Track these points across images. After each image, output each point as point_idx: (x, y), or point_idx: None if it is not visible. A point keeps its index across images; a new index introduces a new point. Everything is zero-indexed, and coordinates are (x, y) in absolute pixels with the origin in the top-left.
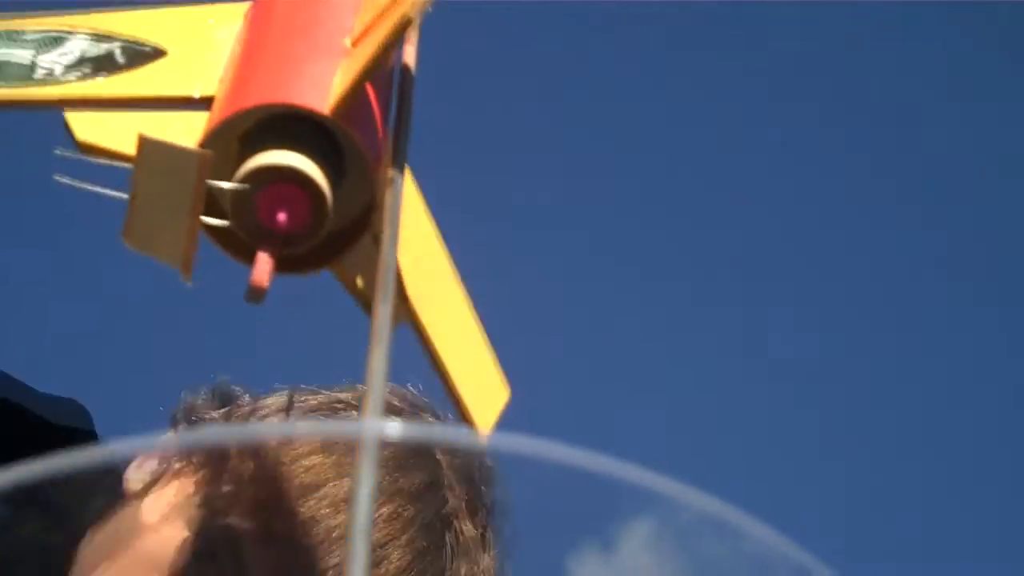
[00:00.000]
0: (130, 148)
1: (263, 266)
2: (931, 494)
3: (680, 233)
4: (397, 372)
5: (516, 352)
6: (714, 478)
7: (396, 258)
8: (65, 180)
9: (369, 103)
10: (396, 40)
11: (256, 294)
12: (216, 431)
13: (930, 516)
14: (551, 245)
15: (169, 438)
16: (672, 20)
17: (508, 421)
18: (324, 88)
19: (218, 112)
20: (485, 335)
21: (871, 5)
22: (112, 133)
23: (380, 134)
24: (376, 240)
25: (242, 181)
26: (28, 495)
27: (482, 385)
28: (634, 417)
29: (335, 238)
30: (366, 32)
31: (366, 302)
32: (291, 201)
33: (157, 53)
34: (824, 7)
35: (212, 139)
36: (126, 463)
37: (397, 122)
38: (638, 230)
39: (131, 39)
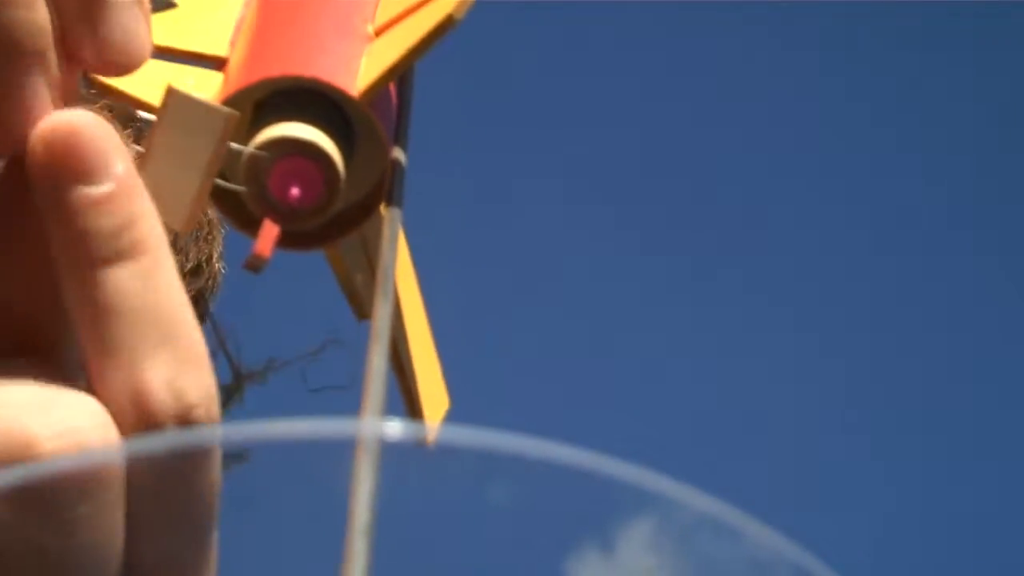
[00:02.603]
0: (142, 93)
1: (268, 236)
2: (933, 494)
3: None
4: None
5: (519, 353)
6: (715, 478)
7: (395, 256)
8: None
9: (386, 88)
10: (437, 39)
11: (257, 263)
12: (208, 432)
13: (930, 516)
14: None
15: (171, 438)
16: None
17: (507, 421)
18: (351, 70)
19: (239, 76)
20: (434, 343)
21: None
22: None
23: (392, 119)
24: (364, 242)
25: (259, 148)
26: (30, 495)
27: (429, 393)
28: (635, 417)
29: (334, 220)
30: (393, 23)
31: (352, 291)
32: (305, 176)
33: (167, 3)
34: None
35: (232, 103)
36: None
37: (399, 107)
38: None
39: None
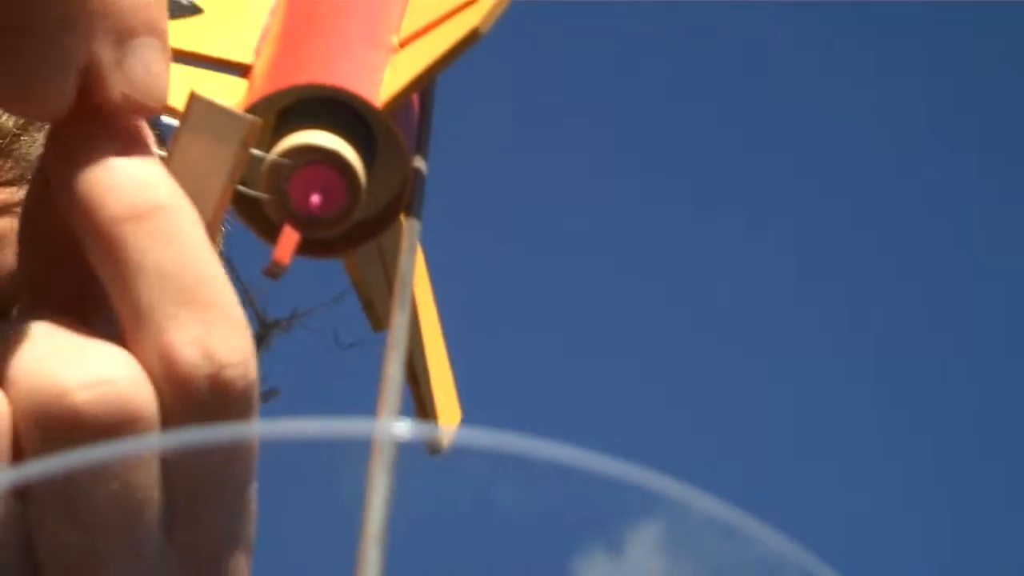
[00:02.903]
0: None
1: (288, 243)
2: (944, 498)
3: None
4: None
5: (529, 356)
6: (723, 481)
7: (414, 265)
8: None
9: (409, 98)
10: (462, 52)
11: (276, 269)
12: (213, 431)
13: (940, 521)
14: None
15: (169, 438)
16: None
17: (510, 421)
18: (375, 80)
19: (264, 84)
20: (447, 355)
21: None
22: None
23: (414, 130)
24: (381, 251)
25: (281, 156)
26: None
27: (442, 403)
28: (641, 419)
29: (354, 229)
30: (418, 35)
31: (368, 301)
32: (327, 185)
33: (194, 9)
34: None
35: (256, 110)
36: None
37: (421, 116)
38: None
39: None
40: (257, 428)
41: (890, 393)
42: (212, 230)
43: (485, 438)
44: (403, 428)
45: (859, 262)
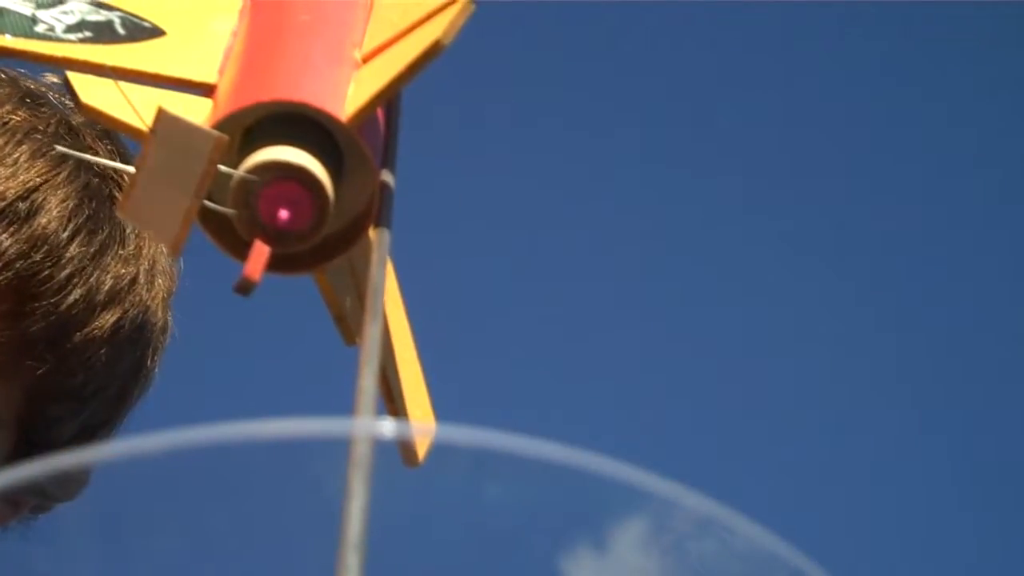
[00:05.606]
0: (130, 118)
1: (258, 259)
2: (924, 491)
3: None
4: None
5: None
6: (708, 478)
7: (384, 278)
8: (64, 150)
9: (374, 112)
10: (425, 65)
11: (247, 286)
12: (213, 430)
13: (923, 514)
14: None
15: (156, 439)
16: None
17: (501, 420)
18: (340, 95)
19: (228, 102)
20: (420, 366)
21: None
22: (115, 101)
23: (380, 143)
24: (352, 266)
25: (248, 172)
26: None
27: (417, 416)
28: (627, 417)
29: (324, 244)
30: (381, 49)
31: (340, 315)
32: (294, 200)
33: (156, 31)
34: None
35: (221, 128)
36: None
37: (387, 130)
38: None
39: (130, 13)
40: (236, 428)
41: (876, 389)
42: (180, 244)
43: (472, 436)
44: (383, 427)
45: (851, 261)
